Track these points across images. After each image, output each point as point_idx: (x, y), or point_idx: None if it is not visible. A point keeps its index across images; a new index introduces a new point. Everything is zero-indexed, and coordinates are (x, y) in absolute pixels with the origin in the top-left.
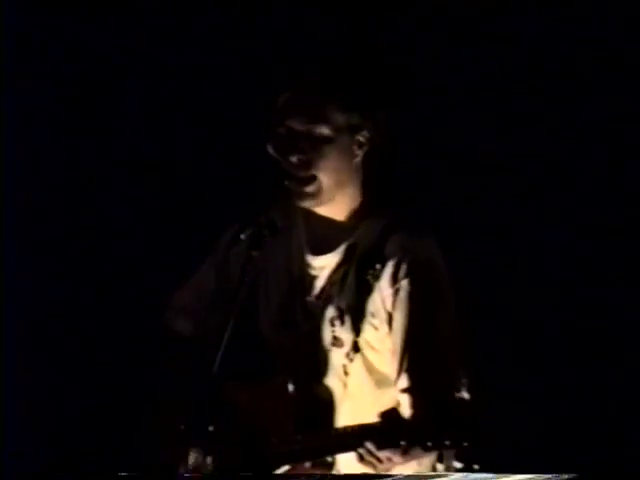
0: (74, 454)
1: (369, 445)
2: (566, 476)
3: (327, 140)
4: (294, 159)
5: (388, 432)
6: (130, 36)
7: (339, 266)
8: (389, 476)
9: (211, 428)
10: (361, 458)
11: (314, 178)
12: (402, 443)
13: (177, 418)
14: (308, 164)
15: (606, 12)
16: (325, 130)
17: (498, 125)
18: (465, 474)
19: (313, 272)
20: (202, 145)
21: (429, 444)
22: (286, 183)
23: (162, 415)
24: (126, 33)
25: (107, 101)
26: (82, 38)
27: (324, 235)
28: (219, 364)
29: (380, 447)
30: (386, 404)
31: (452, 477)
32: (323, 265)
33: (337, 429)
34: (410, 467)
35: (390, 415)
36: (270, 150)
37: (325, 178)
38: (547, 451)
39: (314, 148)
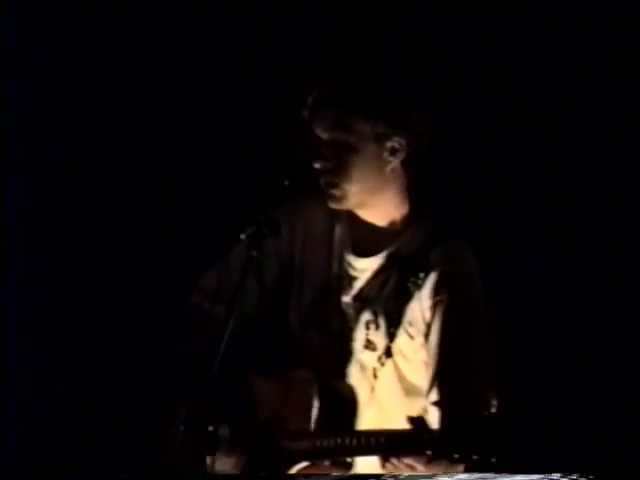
0: (74, 454)
1: (394, 451)
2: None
3: (351, 148)
4: (318, 165)
5: (415, 440)
6: (131, 36)
7: (381, 270)
8: (391, 476)
9: (211, 428)
10: (384, 462)
11: (338, 185)
12: (428, 452)
13: (178, 418)
14: (332, 171)
15: (606, 12)
16: (349, 138)
17: (545, 139)
18: (467, 475)
19: (353, 273)
20: (203, 145)
21: (456, 456)
22: (286, 183)
23: (163, 415)
24: (126, 33)
25: (107, 101)
26: (82, 38)
27: (369, 238)
28: (219, 364)
29: (405, 454)
30: (413, 413)
31: (454, 477)
32: (365, 267)
33: (362, 431)
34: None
35: (418, 423)
36: (299, 154)
37: (349, 186)
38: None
39: (337, 156)
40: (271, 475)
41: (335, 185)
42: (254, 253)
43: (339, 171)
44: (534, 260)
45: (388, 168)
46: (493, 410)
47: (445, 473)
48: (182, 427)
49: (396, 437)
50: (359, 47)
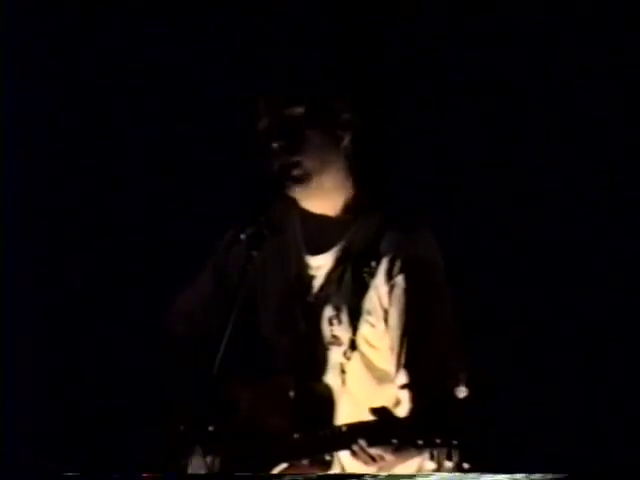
0: (74, 454)
1: (361, 442)
2: (560, 475)
3: (306, 120)
4: (276, 145)
5: (380, 430)
6: (131, 36)
7: (336, 265)
8: (389, 476)
9: (211, 428)
10: (354, 455)
11: (298, 163)
12: (394, 441)
13: (177, 419)
14: (290, 148)
15: (606, 12)
16: (302, 109)
17: (497, 119)
18: (465, 474)
19: (311, 272)
20: (202, 145)
21: (420, 442)
22: (275, 174)
23: (162, 416)
24: (126, 33)
25: (107, 101)
26: (82, 38)
27: (320, 234)
28: (219, 364)
29: (371, 444)
30: (387, 400)
31: (451, 476)
32: (320, 264)
33: (333, 427)
34: (403, 466)
35: (382, 413)
36: (259, 140)
37: (308, 161)
38: (542, 450)
39: (294, 131)
40: (271, 475)
41: (295, 164)
42: (254, 253)
43: (297, 145)
44: (497, 239)
45: (341, 145)
46: (462, 387)
47: (445, 473)
48: (182, 427)
49: (361, 428)
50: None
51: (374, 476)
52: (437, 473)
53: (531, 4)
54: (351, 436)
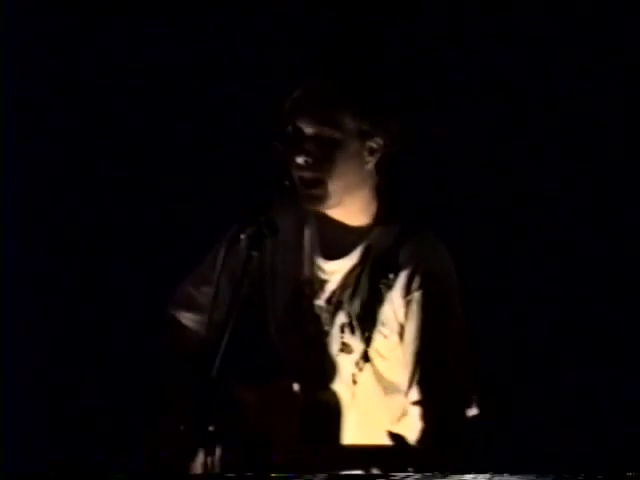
0: (74, 454)
1: (375, 471)
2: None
3: (336, 144)
4: (301, 160)
5: (396, 456)
6: (131, 36)
7: (352, 272)
8: (391, 476)
9: (211, 428)
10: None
11: (321, 181)
12: (409, 469)
13: (178, 418)
14: (315, 167)
15: (605, 12)
16: (335, 134)
17: (517, 134)
18: (468, 475)
19: (324, 276)
20: (203, 144)
21: (437, 473)
22: (286, 183)
23: (163, 415)
24: (127, 33)
25: (107, 101)
26: (82, 38)
27: (337, 239)
28: (219, 364)
29: (387, 470)
30: (394, 411)
31: (454, 478)
32: (335, 270)
33: (345, 446)
34: None
35: (398, 440)
36: (278, 148)
37: (332, 182)
38: (546, 453)
39: (323, 151)
40: (267, 475)
41: (317, 182)
42: (254, 253)
43: (323, 166)
44: (508, 255)
45: (366, 168)
46: (474, 408)
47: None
48: (182, 427)
49: (379, 453)
50: (353, 44)
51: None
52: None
53: (531, 4)
54: (365, 460)
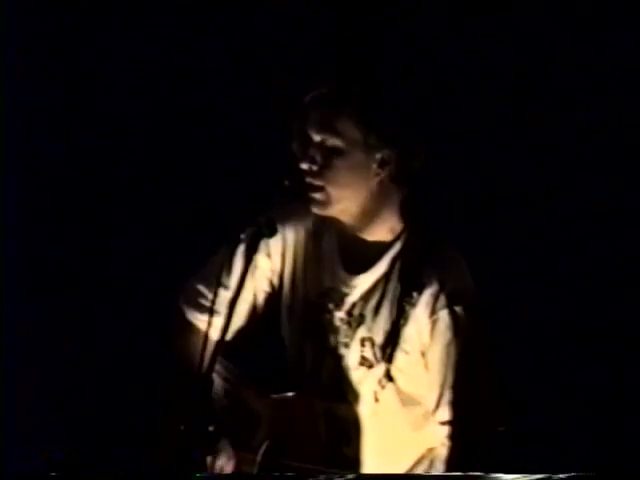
0: (74, 454)
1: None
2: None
3: (339, 152)
4: (305, 166)
5: None
6: (131, 36)
7: (375, 285)
8: (395, 476)
9: (211, 428)
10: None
11: (322, 188)
12: None
13: (177, 418)
14: (317, 174)
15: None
16: (338, 142)
17: (528, 142)
18: (471, 474)
19: (345, 289)
20: (202, 145)
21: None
22: (286, 183)
23: (165, 415)
24: (127, 33)
25: (108, 101)
26: (82, 38)
27: (359, 252)
28: (219, 363)
29: None
30: (411, 421)
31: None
32: (357, 284)
33: (368, 475)
34: None
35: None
36: (293, 151)
37: (334, 189)
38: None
39: (325, 159)
40: (268, 475)
41: (319, 188)
42: (254, 254)
43: (324, 174)
44: (533, 272)
45: (376, 180)
46: (504, 427)
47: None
48: (182, 427)
49: None
50: (362, 53)
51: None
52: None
53: (531, 4)
54: None
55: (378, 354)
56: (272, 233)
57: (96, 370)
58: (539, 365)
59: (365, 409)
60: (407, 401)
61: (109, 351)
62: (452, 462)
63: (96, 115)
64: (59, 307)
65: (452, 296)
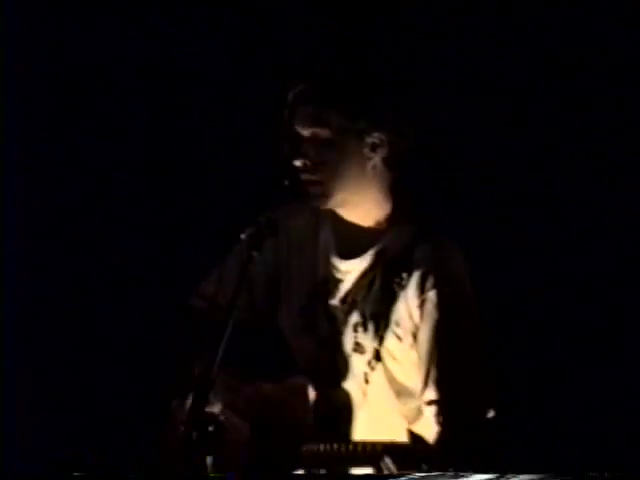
0: (74, 454)
1: (388, 462)
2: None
3: (331, 144)
4: (298, 163)
5: (411, 453)
6: (131, 36)
7: (366, 271)
8: (393, 476)
9: (211, 428)
10: (379, 473)
11: (319, 182)
12: (424, 467)
13: (177, 419)
14: (312, 168)
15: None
16: (327, 134)
17: (523, 131)
18: (468, 474)
19: (339, 275)
20: (202, 145)
21: (450, 471)
22: (285, 183)
23: (163, 415)
24: (127, 33)
25: (108, 101)
26: (82, 38)
27: (352, 239)
28: (218, 365)
29: (400, 467)
30: (406, 414)
31: (454, 477)
32: (350, 269)
33: (358, 443)
34: None
35: (416, 437)
36: (284, 150)
37: (331, 181)
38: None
39: (317, 152)
40: (271, 476)
41: (316, 183)
42: (254, 253)
43: (319, 168)
44: (525, 256)
45: (369, 165)
46: (491, 410)
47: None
48: (182, 427)
49: (392, 449)
50: (342, 42)
51: (394, 476)
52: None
53: (531, 4)
54: (379, 455)
55: (370, 338)
56: (272, 233)
57: (96, 370)
58: (536, 356)
59: (355, 390)
60: (403, 392)
61: (109, 351)
62: (439, 443)
63: (96, 115)
64: (59, 307)
65: (441, 277)
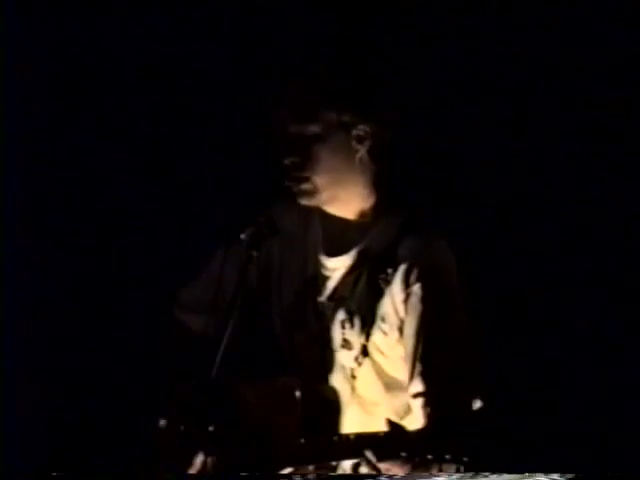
0: (74, 454)
1: (369, 454)
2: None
3: (318, 139)
4: (287, 161)
5: (389, 442)
6: (131, 36)
7: (352, 268)
8: (390, 477)
9: (211, 428)
10: (360, 465)
11: (308, 178)
12: (402, 454)
13: (178, 418)
14: (301, 166)
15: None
16: (314, 128)
17: (513, 123)
18: (465, 474)
19: (326, 273)
20: (202, 145)
21: (429, 457)
22: (286, 183)
23: (164, 415)
24: (127, 33)
25: (108, 101)
26: (82, 38)
27: (339, 236)
28: (219, 365)
29: (380, 457)
30: (395, 408)
31: (452, 478)
32: (336, 266)
33: (340, 435)
34: None
35: (392, 425)
36: (276, 150)
37: (320, 177)
38: (547, 451)
39: (306, 149)
40: (271, 475)
41: (305, 179)
42: (254, 253)
43: (308, 164)
44: (514, 248)
45: (357, 157)
46: (478, 400)
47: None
48: (182, 427)
49: (370, 439)
50: (328, 39)
51: (391, 477)
52: (456, 474)
53: (531, 4)
54: (359, 446)
55: (357, 334)
56: (272, 233)
57: (96, 370)
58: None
59: (343, 386)
60: (392, 385)
61: (109, 351)
62: (423, 439)
63: (96, 115)
64: (59, 307)
65: (425, 269)
